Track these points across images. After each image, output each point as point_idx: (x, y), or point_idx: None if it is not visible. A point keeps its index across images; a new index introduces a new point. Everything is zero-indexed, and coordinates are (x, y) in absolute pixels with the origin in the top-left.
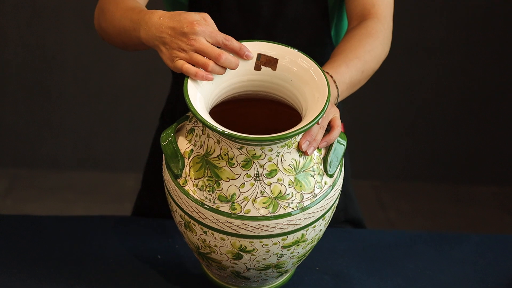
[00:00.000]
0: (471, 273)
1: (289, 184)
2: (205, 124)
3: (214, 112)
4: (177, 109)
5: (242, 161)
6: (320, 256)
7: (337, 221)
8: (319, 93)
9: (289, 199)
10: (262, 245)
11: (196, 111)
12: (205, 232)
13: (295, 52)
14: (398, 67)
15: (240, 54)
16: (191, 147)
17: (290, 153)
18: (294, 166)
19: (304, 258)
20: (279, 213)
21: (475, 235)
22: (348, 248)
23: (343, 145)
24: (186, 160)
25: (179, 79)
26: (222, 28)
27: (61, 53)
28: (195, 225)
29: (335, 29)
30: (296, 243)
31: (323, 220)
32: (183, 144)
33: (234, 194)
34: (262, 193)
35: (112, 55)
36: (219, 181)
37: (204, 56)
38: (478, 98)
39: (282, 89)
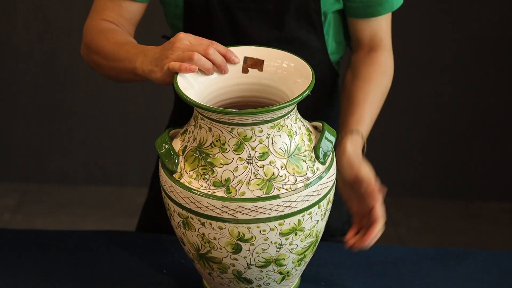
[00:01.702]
0: None
1: (282, 167)
2: (195, 105)
3: None
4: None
5: (234, 145)
6: (326, 271)
7: (343, 233)
8: (305, 78)
9: (282, 181)
10: (260, 231)
11: (186, 96)
12: (203, 224)
13: (280, 52)
14: (410, 83)
15: (226, 58)
16: (185, 144)
17: (280, 135)
18: (285, 149)
19: (305, 259)
20: (273, 193)
21: (482, 251)
22: (353, 264)
23: (333, 138)
24: (180, 157)
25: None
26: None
27: (71, 68)
28: (193, 219)
29: (331, 47)
30: (294, 230)
31: (318, 208)
32: (177, 145)
33: (229, 178)
34: (255, 175)
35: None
36: (213, 168)
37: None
38: (489, 114)
39: (271, 90)
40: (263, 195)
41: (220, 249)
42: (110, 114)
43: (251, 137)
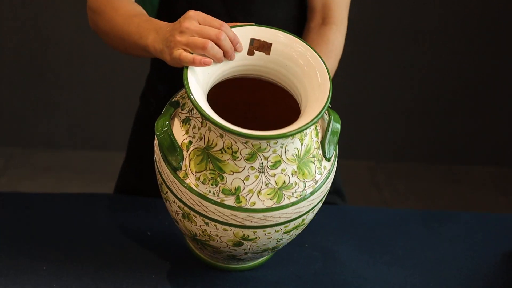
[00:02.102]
0: (460, 251)
1: (292, 174)
2: (213, 123)
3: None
4: (158, 88)
5: (246, 154)
6: (310, 233)
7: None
8: (318, 78)
9: (292, 188)
10: (265, 234)
11: (204, 111)
12: (207, 223)
13: (290, 36)
14: (394, 51)
15: (233, 43)
16: (189, 138)
17: (293, 142)
18: (296, 155)
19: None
20: (284, 203)
21: (465, 213)
22: (338, 226)
23: (338, 129)
24: (185, 152)
25: (157, 58)
26: (198, 5)
27: (55, 34)
28: (195, 217)
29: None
30: (296, 227)
31: (321, 202)
32: (180, 135)
33: (239, 187)
34: (266, 184)
35: None
36: (223, 175)
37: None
38: (473, 79)
39: (277, 74)
40: (274, 205)
41: (221, 242)
42: (94, 79)
43: (265, 148)
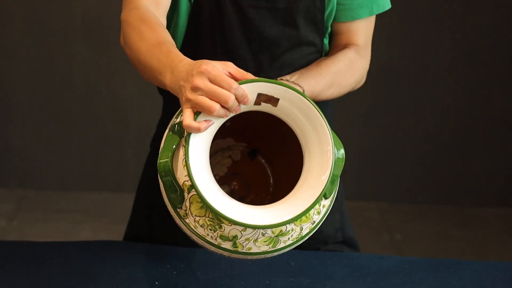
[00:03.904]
0: None
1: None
2: (220, 215)
3: None
4: None
5: None
6: (319, 282)
7: (335, 240)
8: (321, 149)
9: (289, 234)
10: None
11: (210, 204)
12: (207, 248)
13: (298, 96)
14: (405, 90)
15: (240, 100)
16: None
17: None
18: None
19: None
20: (279, 246)
21: (474, 262)
22: (346, 275)
23: (342, 155)
24: (185, 194)
25: (169, 104)
26: (225, 49)
27: (68, 75)
28: (198, 242)
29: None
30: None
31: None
32: (182, 175)
33: (236, 235)
34: (263, 234)
35: (120, 78)
36: (221, 224)
37: (210, 99)
38: (484, 121)
39: (284, 117)
40: (270, 249)
41: (218, 248)
42: (106, 121)
43: None
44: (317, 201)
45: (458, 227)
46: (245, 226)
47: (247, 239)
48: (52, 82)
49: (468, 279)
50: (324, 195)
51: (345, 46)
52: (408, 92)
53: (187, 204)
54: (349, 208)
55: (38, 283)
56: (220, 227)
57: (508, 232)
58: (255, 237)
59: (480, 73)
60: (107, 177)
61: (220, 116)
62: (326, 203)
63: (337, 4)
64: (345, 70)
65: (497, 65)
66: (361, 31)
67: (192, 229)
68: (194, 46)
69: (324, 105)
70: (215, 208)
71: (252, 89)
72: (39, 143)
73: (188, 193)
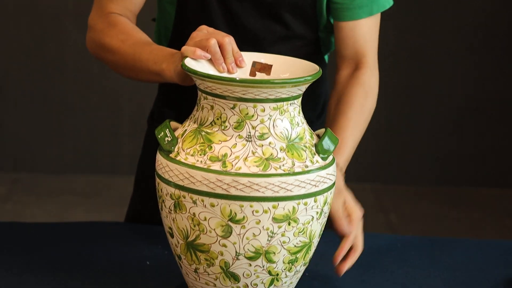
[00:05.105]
0: (461, 278)
1: (281, 149)
2: (201, 75)
3: None
4: (165, 112)
5: (234, 122)
6: (311, 261)
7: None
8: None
9: (280, 162)
10: (253, 212)
11: (191, 68)
12: (194, 202)
13: (289, 58)
14: (401, 70)
15: (235, 57)
16: (185, 128)
17: (282, 120)
18: (286, 135)
19: (296, 265)
20: (270, 172)
21: (467, 240)
22: None
23: (334, 143)
24: (180, 139)
25: (164, 84)
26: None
27: (61, 57)
28: (185, 198)
29: (324, 41)
30: (287, 218)
31: (314, 202)
32: (178, 132)
33: (226, 154)
34: (253, 153)
35: None
36: (211, 145)
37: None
38: (480, 100)
39: None
40: (259, 172)
41: (210, 232)
42: (100, 103)
43: (253, 116)
44: (304, 78)
45: (454, 207)
46: (230, 81)
47: (236, 157)
48: (45, 64)
49: (461, 257)
50: (317, 151)
51: (355, 66)
52: (403, 72)
53: (180, 144)
54: None
55: (31, 264)
56: (211, 148)
57: (503, 212)
58: (245, 155)
59: (478, 56)
60: (101, 160)
61: (215, 55)
62: (321, 161)
63: (335, 3)
64: (361, 113)
65: (494, 46)
66: (367, 36)
67: (183, 162)
68: (181, 40)
69: (316, 96)
70: (202, 72)
71: (248, 57)
72: (32, 125)
73: (182, 136)
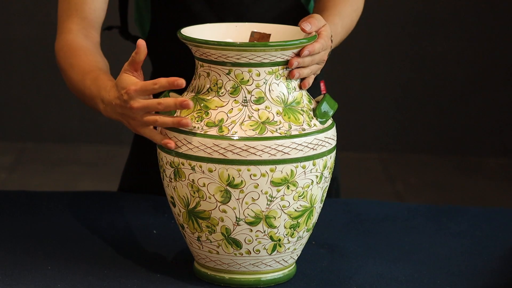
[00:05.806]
0: (468, 246)
1: (277, 113)
2: (194, 41)
3: None
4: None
5: (230, 87)
6: (317, 230)
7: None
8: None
9: (276, 125)
10: (250, 176)
11: (187, 36)
12: (193, 168)
13: (288, 26)
14: (405, 39)
15: (170, 83)
16: (184, 97)
17: (278, 84)
18: (282, 99)
19: (298, 230)
20: (266, 135)
21: (473, 208)
22: (344, 222)
23: (333, 108)
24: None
25: (158, 67)
26: (188, 16)
27: None
28: (183, 165)
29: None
30: (285, 182)
31: (313, 165)
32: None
33: (222, 119)
34: (249, 117)
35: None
36: (208, 111)
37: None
38: (485, 69)
39: None
40: (256, 135)
41: (209, 198)
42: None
43: (248, 80)
44: (299, 40)
45: (460, 176)
46: (225, 45)
47: (233, 122)
48: (51, 33)
49: (466, 224)
50: (315, 115)
51: None
52: (408, 40)
53: (178, 113)
54: (351, 159)
55: (37, 231)
56: (207, 114)
57: (510, 181)
58: (241, 120)
59: (480, 21)
60: (107, 129)
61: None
62: (318, 125)
63: None
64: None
65: (498, 16)
66: None
67: (181, 129)
68: (162, 18)
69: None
70: (197, 38)
71: (245, 28)
72: (39, 95)
73: None
